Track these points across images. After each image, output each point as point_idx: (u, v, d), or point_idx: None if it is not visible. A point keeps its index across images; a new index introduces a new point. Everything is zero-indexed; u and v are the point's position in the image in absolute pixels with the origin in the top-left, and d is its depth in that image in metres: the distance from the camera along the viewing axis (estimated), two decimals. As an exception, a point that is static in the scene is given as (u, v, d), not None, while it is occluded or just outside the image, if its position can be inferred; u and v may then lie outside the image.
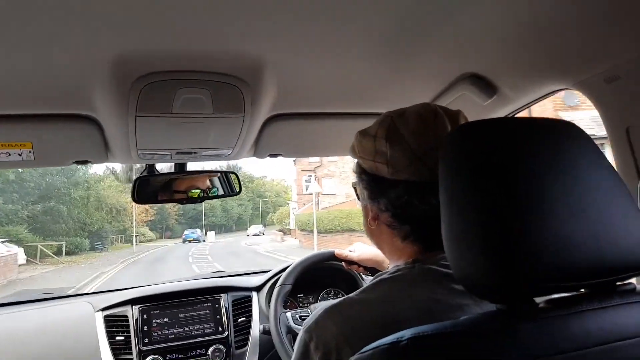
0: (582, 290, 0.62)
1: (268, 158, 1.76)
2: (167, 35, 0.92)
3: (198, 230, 46.20)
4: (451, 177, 0.62)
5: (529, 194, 0.57)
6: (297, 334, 1.56)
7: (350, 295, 0.80)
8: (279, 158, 1.78)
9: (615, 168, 1.00)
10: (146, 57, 0.99)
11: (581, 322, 0.57)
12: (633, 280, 0.64)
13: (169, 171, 1.78)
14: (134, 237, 38.69)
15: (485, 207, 0.57)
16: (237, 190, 1.94)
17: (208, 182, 1.89)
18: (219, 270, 2.72)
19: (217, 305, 1.86)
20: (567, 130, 0.65)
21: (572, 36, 0.94)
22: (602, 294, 0.61)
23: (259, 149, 1.64)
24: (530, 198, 0.57)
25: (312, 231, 24.77)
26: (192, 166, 1.82)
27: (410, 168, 0.78)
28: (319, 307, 0.81)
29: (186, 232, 45.24)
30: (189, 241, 40.50)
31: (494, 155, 0.60)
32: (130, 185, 1.70)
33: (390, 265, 0.89)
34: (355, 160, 0.90)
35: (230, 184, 1.94)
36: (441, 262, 0.78)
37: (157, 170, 1.75)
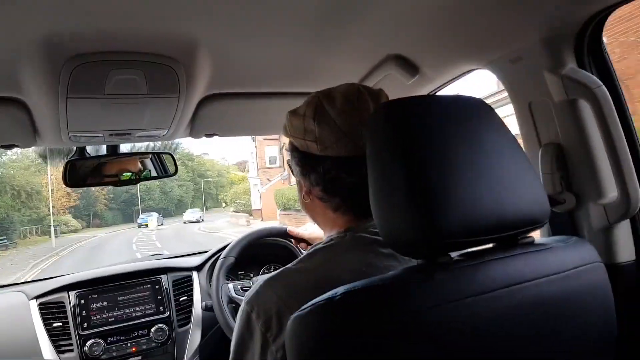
0: (491, 245, 0.72)
1: (204, 138, 1.77)
2: (98, 15, 0.91)
3: (155, 214, 41.82)
4: (377, 149, 0.69)
5: (443, 161, 0.65)
6: (238, 304, 1.61)
7: (288, 265, 0.85)
8: (215, 137, 1.80)
9: (521, 138, 1.14)
10: (77, 37, 0.97)
11: (488, 270, 0.66)
12: (532, 233, 0.75)
13: (100, 153, 1.75)
14: (52, 228, 31.00)
15: (406, 175, 0.65)
16: (173, 172, 1.94)
17: (140, 164, 1.87)
18: (157, 253, 2.70)
19: (157, 287, 1.87)
20: (476, 106, 0.74)
21: (482, 21, 1.05)
22: (507, 246, 0.71)
23: (195, 129, 1.65)
24: (444, 165, 0.65)
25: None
26: (124, 148, 1.79)
27: (338, 144, 0.83)
28: (259, 280, 0.85)
29: (141, 216, 41.48)
30: (145, 225, 36.94)
31: (413, 129, 0.67)
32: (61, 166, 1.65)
33: (324, 235, 0.95)
34: (288, 139, 0.94)
35: (164, 165, 1.93)
36: (370, 229, 0.85)
37: (88, 153, 1.71)
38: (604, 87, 0.98)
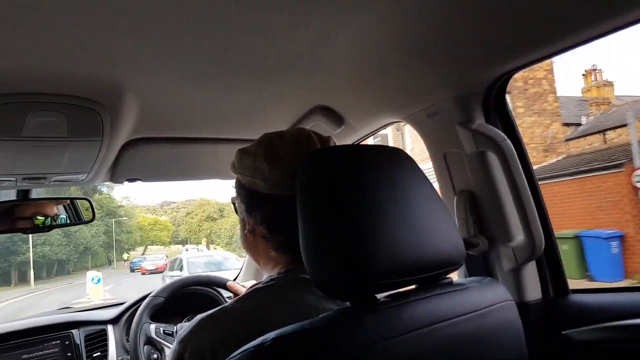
0: (414, 286, 0.76)
1: (126, 183, 1.71)
2: (16, 54, 0.86)
3: (157, 257, 33.73)
4: (306, 195, 0.71)
5: (367, 208, 0.69)
6: (155, 346, 1.53)
7: (226, 305, 0.83)
8: (138, 183, 1.75)
9: (438, 186, 1.22)
10: None
11: (411, 310, 0.69)
12: (451, 275, 0.80)
13: (8, 198, 1.63)
14: None
15: (333, 220, 0.67)
16: (90, 218, 1.84)
17: (56, 209, 1.76)
18: (65, 307, 2.47)
19: (67, 342, 1.71)
20: (397, 155, 0.79)
21: (401, 79, 1.14)
22: (427, 287, 0.74)
23: (117, 174, 1.59)
24: (369, 211, 0.68)
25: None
26: (36, 191, 1.68)
27: (285, 184, 0.84)
28: (193, 319, 0.81)
29: (134, 259, 35.34)
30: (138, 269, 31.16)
31: (340, 176, 0.71)
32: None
33: (265, 275, 0.93)
34: (235, 177, 0.94)
35: (77, 211, 1.83)
36: None
37: (-6, 198, 1.59)
38: (508, 140, 1.08)
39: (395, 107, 1.27)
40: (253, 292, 0.85)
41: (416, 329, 0.67)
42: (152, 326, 1.61)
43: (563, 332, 1.08)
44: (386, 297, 0.72)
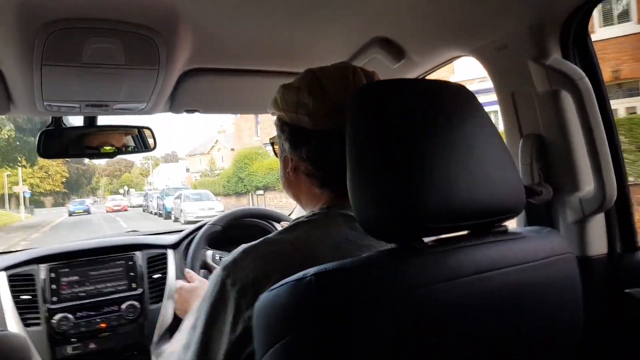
0: (465, 232, 0.71)
1: (184, 114, 1.74)
2: None
3: (87, 201, 35.78)
4: (356, 129, 0.67)
5: (422, 146, 0.64)
6: (210, 270, 1.61)
7: (269, 236, 0.83)
8: (196, 114, 1.77)
9: (503, 128, 1.13)
10: (52, 2, 0.94)
11: (459, 256, 0.65)
12: (506, 223, 0.75)
13: (78, 125, 1.71)
14: None
15: (382, 158, 0.63)
16: (152, 147, 1.90)
17: (123, 138, 1.82)
18: (133, 230, 2.64)
19: (130, 263, 1.83)
20: (458, 93, 0.73)
21: (469, 7, 1.03)
22: (480, 234, 0.70)
23: (175, 104, 1.62)
24: (422, 150, 0.64)
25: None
26: (102, 120, 1.75)
27: (330, 119, 0.82)
28: (237, 248, 0.82)
29: (73, 201, 34.87)
30: (77, 214, 29.42)
31: (393, 110, 0.66)
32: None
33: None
34: (276, 117, 0.92)
35: (143, 139, 1.89)
36: None
37: (64, 124, 1.67)
38: (586, 79, 0.97)
39: (462, 39, 1.17)
40: (295, 225, 0.84)
41: (462, 276, 0.63)
42: (209, 252, 1.70)
43: (626, 291, 1.00)
44: (434, 241, 0.69)
